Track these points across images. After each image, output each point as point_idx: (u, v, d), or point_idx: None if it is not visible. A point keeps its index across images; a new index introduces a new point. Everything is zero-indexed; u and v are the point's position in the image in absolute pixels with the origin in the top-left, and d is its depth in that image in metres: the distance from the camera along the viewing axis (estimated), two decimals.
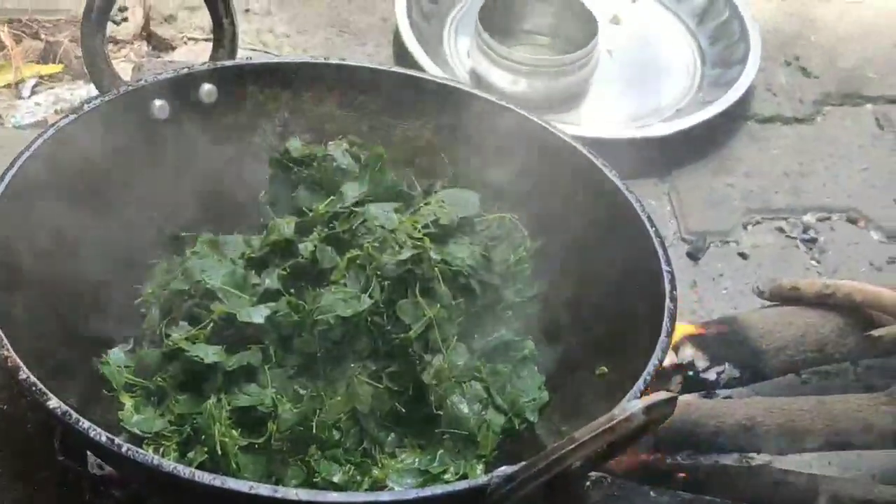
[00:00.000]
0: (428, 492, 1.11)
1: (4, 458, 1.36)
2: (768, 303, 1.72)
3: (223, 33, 1.59)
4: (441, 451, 1.33)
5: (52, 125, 1.41)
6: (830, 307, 1.65)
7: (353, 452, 1.33)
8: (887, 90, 2.34)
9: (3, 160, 1.36)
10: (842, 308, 1.64)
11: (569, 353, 1.44)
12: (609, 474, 1.41)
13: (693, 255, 1.97)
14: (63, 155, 1.40)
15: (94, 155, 1.44)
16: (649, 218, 1.41)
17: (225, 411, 1.30)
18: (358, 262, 1.37)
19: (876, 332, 1.62)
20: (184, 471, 1.07)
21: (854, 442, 1.55)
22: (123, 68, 2.06)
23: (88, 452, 1.37)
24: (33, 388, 1.14)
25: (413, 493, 1.14)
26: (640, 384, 1.21)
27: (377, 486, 1.30)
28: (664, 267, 1.35)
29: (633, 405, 1.01)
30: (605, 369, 1.36)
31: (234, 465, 1.26)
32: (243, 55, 1.61)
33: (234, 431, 1.29)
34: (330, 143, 1.56)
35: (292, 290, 1.40)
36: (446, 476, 1.30)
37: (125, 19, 2.29)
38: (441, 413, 1.34)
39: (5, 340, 1.17)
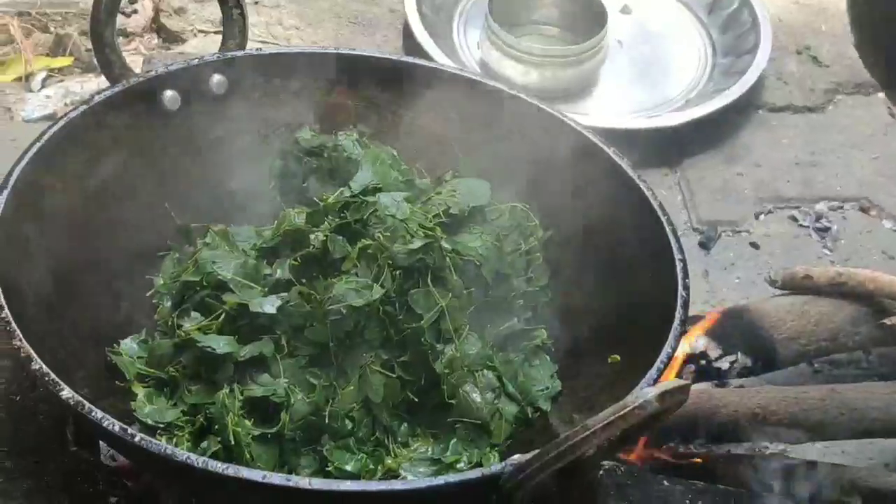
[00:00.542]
0: (441, 480, 1.10)
1: (17, 449, 1.36)
2: (780, 292, 1.72)
3: (233, 24, 1.58)
4: (454, 440, 1.33)
5: (63, 116, 1.41)
6: (843, 296, 1.65)
7: (366, 442, 1.33)
8: None
9: (14, 153, 1.35)
10: (855, 297, 1.64)
11: (581, 342, 1.44)
12: (622, 463, 1.40)
13: (705, 245, 1.97)
14: (74, 146, 1.40)
15: (104, 146, 1.44)
16: (661, 206, 1.41)
17: (238, 401, 1.30)
18: (369, 251, 1.37)
19: (889, 321, 1.61)
20: (197, 460, 1.07)
21: (867, 430, 1.55)
22: (133, 61, 2.05)
23: (101, 443, 1.38)
24: (46, 379, 1.14)
25: (426, 482, 1.14)
26: (653, 372, 1.21)
27: (390, 475, 1.30)
28: (676, 255, 1.35)
29: (646, 393, 1.01)
30: (618, 358, 1.36)
31: (247, 455, 1.26)
32: (252, 47, 1.61)
33: (246, 421, 1.29)
34: (340, 133, 1.56)
35: (304, 281, 1.40)
36: (459, 465, 1.30)
37: (135, 11, 2.30)
38: (453, 402, 1.34)
39: (18, 331, 1.17)
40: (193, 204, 1.54)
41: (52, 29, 2.25)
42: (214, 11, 2.26)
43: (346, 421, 1.32)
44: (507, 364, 1.39)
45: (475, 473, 1.10)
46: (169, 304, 1.44)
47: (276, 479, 1.06)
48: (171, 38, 2.28)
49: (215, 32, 2.26)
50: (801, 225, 2.03)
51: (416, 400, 1.35)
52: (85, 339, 1.36)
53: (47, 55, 2.21)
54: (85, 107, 1.43)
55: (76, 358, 1.31)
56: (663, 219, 1.39)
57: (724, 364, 1.61)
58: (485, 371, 1.37)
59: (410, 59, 1.64)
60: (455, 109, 1.58)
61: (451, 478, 1.12)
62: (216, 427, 1.29)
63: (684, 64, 2.31)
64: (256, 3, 2.36)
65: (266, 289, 1.40)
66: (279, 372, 1.33)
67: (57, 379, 1.14)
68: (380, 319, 1.34)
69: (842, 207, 2.06)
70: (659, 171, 2.07)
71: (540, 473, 1.05)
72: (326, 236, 1.40)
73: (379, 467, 1.31)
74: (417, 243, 1.36)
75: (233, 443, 1.26)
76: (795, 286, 1.69)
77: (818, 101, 2.27)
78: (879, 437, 1.58)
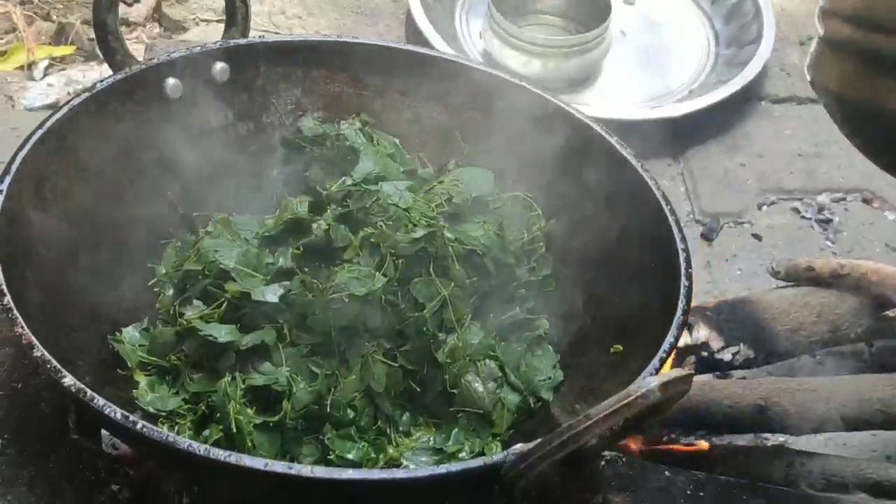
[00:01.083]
0: (443, 469, 1.10)
1: (19, 437, 1.36)
2: (783, 283, 1.71)
3: (235, 12, 1.58)
4: (456, 429, 1.33)
5: (66, 104, 1.41)
6: (845, 287, 1.65)
7: (368, 431, 1.33)
8: None
9: (16, 141, 1.35)
10: (857, 288, 1.64)
11: (583, 332, 1.44)
12: (623, 453, 1.40)
13: (707, 236, 1.97)
14: (76, 134, 1.40)
15: (107, 134, 1.44)
16: (664, 196, 1.41)
17: (240, 390, 1.30)
18: (372, 240, 1.37)
19: (891, 312, 1.61)
20: (199, 448, 1.07)
21: (869, 422, 1.55)
22: (135, 49, 2.04)
23: (103, 431, 1.38)
24: (48, 366, 1.14)
25: (428, 471, 1.14)
26: (655, 362, 1.21)
27: (392, 464, 1.31)
28: (679, 246, 1.34)
29: (648, 382, 1.01)
30: (620, 348, 1.36)
31: (249, 443, 1.26)
32: (255, 35, 1.60)
33: (248, 410, 1.28)
34: (342, 122, 1.56)
35: (306, 269, 1.39)
36: (461, 454, 1.31)
37: (137, 0, 2.29)
38: (455, 391, 1.34)
39: (20, 319, 1.17)
40: (195, 192, 1.54)
41: (54, 17, 2.25)
42: (216, 0, 2.26)
43: (348, 410, 1.32)
44: (509, 354, 1.39)
45: (477, 462, 1.10)
46: (171, 292, 1.44)
47: (278, 466, 1.06)
48: (172, 26, 2.28)
49: (217, 21, 2.26)
50: (803, 216, 2.02)
51: (418, 389, 1.35)
52: (87, 327, 1.35)
53: (50, 44, 2.20)
54: (87, 95, 1.42)
55: (78, 346, 1.31)
56: (666, 209, 1.39)
57: (726, 355, 1.61)
58: (487, 361, 1.37)
59: (413, 48, 1.63)
60: (458, 98, 1.58)
61: (453, 467, 1.11)
62: (218, 415, 1.29)
63: (687, 54, 2.30)
64: None
65: (268, 277, 1.40)
66: (281, 360, 1.33)
67: (59, 366, 1.13)
68: (382, 308, 1.34)
69: (844, 199, 2.06)
70: (662, 161, 2.07)
71: (542, 463, 1.05)
72: (329, 225, 1.40)
73: (381, 456, 1.31)
74: (420, 232, 1.36)
75: (234, 431, 1.27)
76: (797, 277, 1.69)
77: None
78: (881, 429, 1.58)
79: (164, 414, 1.32)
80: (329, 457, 1.30)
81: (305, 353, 1.34)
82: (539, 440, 1.05)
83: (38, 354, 1.15)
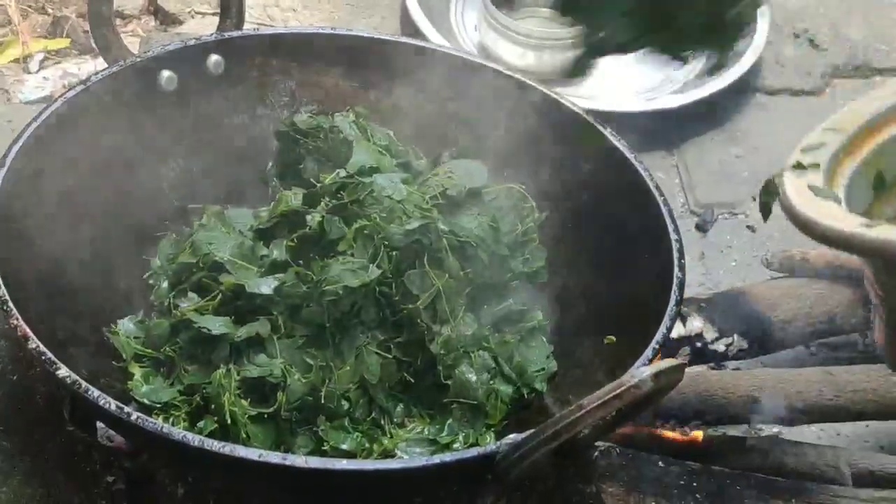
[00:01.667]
0: (437, 459, 1.11)
1: (14, 429, 1.36)
2: (777, 274, 1.72)
3: (230, 5, 1.58)
4: (450, 420, 1.34)
5: (61, 96, 1.41)
6: (839, 279, 1.65)
7: (362, 422, 1.34)
8: None
9: (11, 135, 1.35)
10: (851, 280, 1.64)
11: (577, 323, 1.45)
12: (617, 443, 1.41)
13: (701, 228, 1.97)
14: (71, 126, 1.40)
15: (101, 126, 1.44)
16: (658, 188, 1.41)
17: (234, 381, 1.30)
18: (365, 232, 1.37)
19: None
20: (193, 439, 1.07)
21: (862, 413, 1.55)
22: (131, 42, 2.05)
23: (98, 423, 1.38)
24: (43, 358, 1.14)
25: (422, 461, 1.14)
26: (648, 352, 1.21)
27: (386, 455, 1.31)
28: (673, 237, 1.35)
29: (641, 372, 1.01)
30: (613, 339, 1.36)
31: (243, 435, 1.27)
32: (250, 28, 1.60)
33: (243, 401, 1.29)
34: (337, 114, 1.55)
35: (300, 262, 1.40)
36: (455, 445, 1.31)
37: None
38: (449, 383, 1.35)
39: (15, 311, 1.17)
40: (190, 185, 1.54)
41: (49, 10, 2.25)
42: None
43: (343, 401, 1.32)
44: (503, 345, 1.39)
45: (471, 452, 1.11)
46: (166, 284, 1.44)
47: (273, 457, 1.06)
48: (168, 19, 2.27)
49: (212, 14, 2.26)
50: None
51: (412, 381, 1.36)
52: (82, 319, 1.36)
53: (45, 37, 2.20)
54: (82, 87, 1.42)
55: (73, 337, 1.31)
56: (660, 200, 1.39)
57: (720, 346, 1.61)
58: (480, 352, 1.37)
59: (408, 40, 1.63)
60: (452, 91, 1.58)
61: (447, 457, 1.12)
62: (213, 407, 1.29)
63: None
64: None
65: (262, 269, 1.40)
66: (275, 352, 1.34)
67: (54, 358, 1.14)
68: (376, 300, 1.34)
69: None
70: (657, 153, 2.07)
71: (535, 453, 1.05)
72: (323, 217, 1.40)
73: (375, 447, 1.31)
74: (414, 224, 1.36)
75: (229, 422, 1.27)
76: (792, 269, 1.70)
77: (816, 84, 2.27)
78: (874, 419, 1.59)
79: (158, 405, 1.33)
80: (323, 448, 1.30)
81: (300, 344, 1.34)
82: (532, 430, 1.05)
83: (34, 346, 1.15)
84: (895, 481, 1.45)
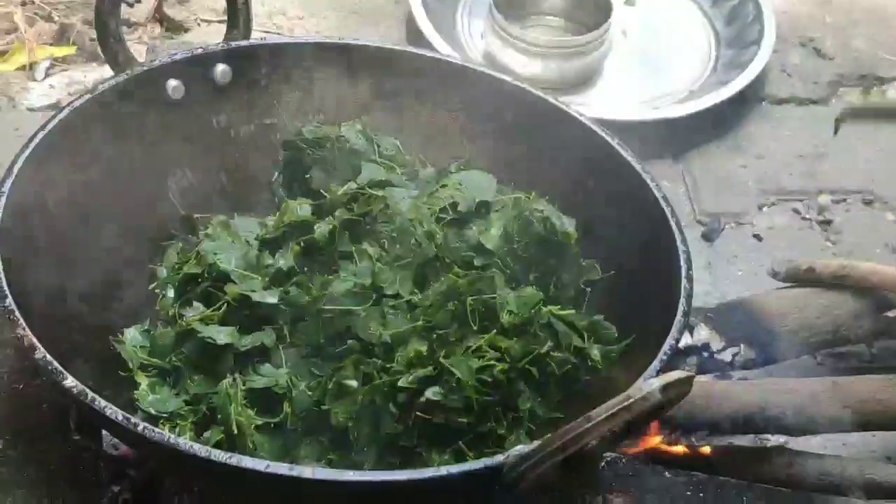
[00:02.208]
0: (444, 470, 1.10)
1: (20, 438, 1.36)
2: (783, 284, 1.71)
3: (237, 14, 1.58)
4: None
5: (68, 105, 1.41)
6: (846, 288, 1.65)
7: None
8: None
9: (18, 142, 1.35)
10: (857, 289, 1.64)
11: None
12: (624, 454, 1.40)
13: (708, 237, 1.96)
14: (78, 135, 1.40)
15: (108, 135, 1.44)
16: (665, 198, 1.41)
17: (240, 391, 1.29)
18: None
19: (891, 314, 1.61)
20: (200, 449, 1.07)
21: (869, 423, 1.55)
22: (137, 50, 2.04)
23: (104, 432, 1.38)
24: (49, 368, 1.14)
25: (429, 472, 1.13)
26: (656, 363, 1.21)
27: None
28: (680, 246, 1.35)
29: (649, 384, 1.01)
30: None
31: (250, 445, 1.26)
32: (256, 37, 1.60)
33: (249, 411, 1.28)
34: (343, 124, 1.55)
35: (305, 269, 1.39)
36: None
37: (138, 1, 2.28)
38: None
39: (21, 320, 1.17)
40: (196, 194, 1.54)
41: (55, 18, 2.25)
42: (218, 1, 2.26)
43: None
44: None
45: (478, 464, 1.10)
46: (171, 294, 1.44)
47: (280, 468, 1.06)
48: (174, 27, 2.27)
49: (219, 22, 2.26)
50: (804, 217, 2.02)
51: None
52: (88, 329, 1.36)
53: (51, 44, 2.20)
54: (89, 96, 1.43)
55: (79, 347, 1.31)
56: (667, 210, 1.39)
57: (726, 356, 1.61)
58: None
59: (414, 50, 1.63)
60: (458, 100, 1.58)
61: (454, 468, 1.11)
62: (219, 417, 1.29)
63: (688, 55, 2.30)
64: None
65: (268, 279, 1.40)
66: (281, 362, 1.34)
67: (60, 368, 1.14)
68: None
69: (845, 200, 2.06)
70: (662, 162, 2.06)
71: (542, 464, 1.05)
72: (333, 226, 1.40)
73: None
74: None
75: (236, 432, 1.26)
76: (798, 278, 1.69)
77: (822, 93, 2.27)
78: (881, 429, 1.58)
79: (164, 415, 1.32)
80: (330, 457, 1.30)
81: (305, 354, 1.34)
82: (539, 441, 1.05)
83: (40, 356, 1.15)
84: None
